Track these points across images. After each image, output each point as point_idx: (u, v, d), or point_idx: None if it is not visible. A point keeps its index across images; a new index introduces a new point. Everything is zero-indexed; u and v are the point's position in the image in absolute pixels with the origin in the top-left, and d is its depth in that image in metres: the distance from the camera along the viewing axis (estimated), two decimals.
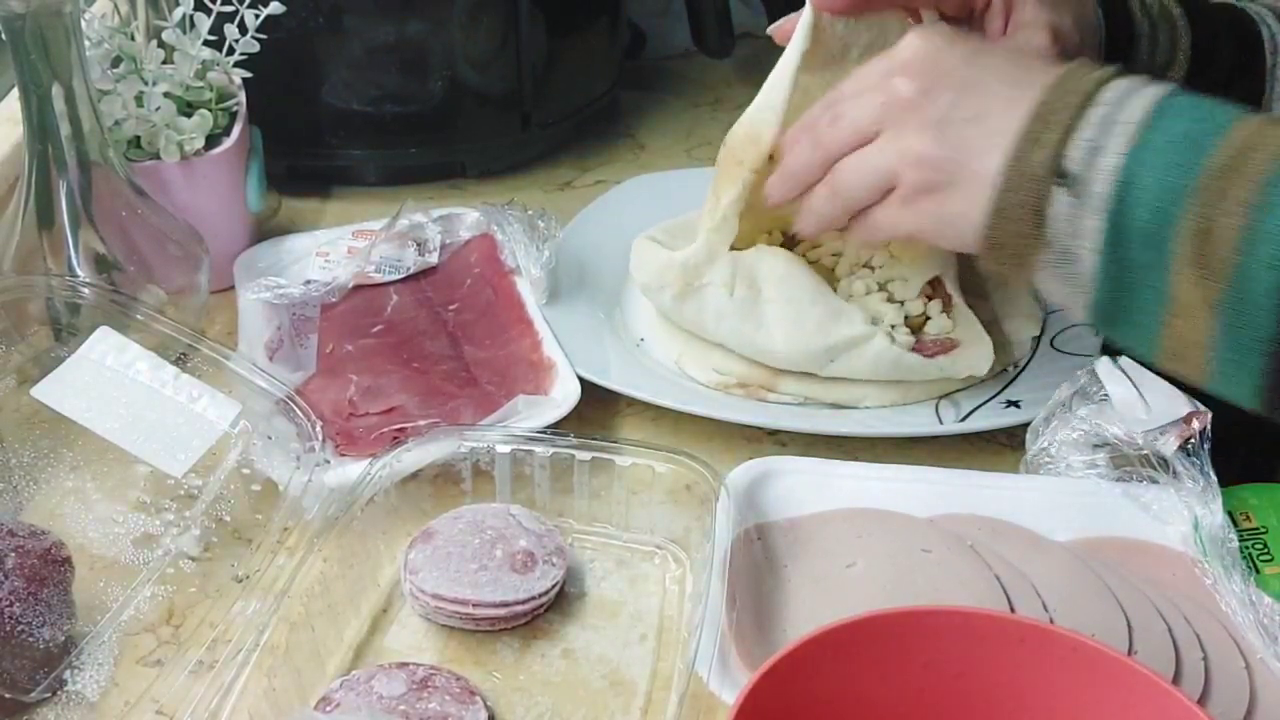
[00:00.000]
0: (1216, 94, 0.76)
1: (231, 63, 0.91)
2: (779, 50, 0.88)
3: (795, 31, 0.77)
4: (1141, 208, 0.59)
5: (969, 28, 0.78)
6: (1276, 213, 0.56)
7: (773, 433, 0.81)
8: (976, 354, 0.81)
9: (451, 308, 0.91)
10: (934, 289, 0.83)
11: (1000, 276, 0.68)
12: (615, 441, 0.74)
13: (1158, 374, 0.72)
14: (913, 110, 0.66)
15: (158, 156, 0.87)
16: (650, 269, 0.83)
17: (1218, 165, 0.58)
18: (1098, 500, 0.72)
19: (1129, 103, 0.61)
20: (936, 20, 0.78)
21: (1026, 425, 0.76)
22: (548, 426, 0.76)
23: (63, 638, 0.64)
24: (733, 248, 0.80)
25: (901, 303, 0.82)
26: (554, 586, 0.68)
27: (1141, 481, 0.72)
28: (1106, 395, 0.72)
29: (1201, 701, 0.61)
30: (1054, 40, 0.75)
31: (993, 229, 0.63)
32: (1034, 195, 0.61)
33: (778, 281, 0.79)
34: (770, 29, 0.80)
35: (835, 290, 0.82)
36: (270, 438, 0.74)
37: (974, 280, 0.86)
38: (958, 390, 0.82)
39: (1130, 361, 0.73)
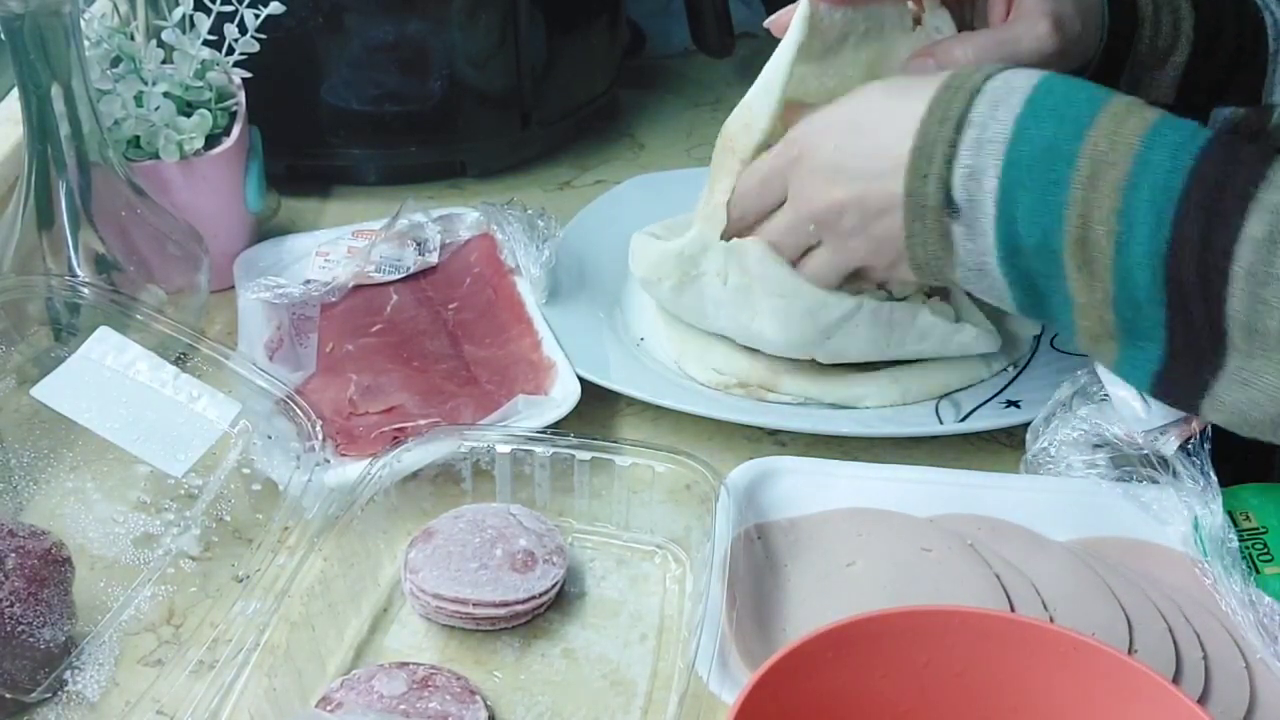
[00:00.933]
0: (1218, 79, 0.82)
1: (231, 63, 0.91)
2: (777, 45, 0.88)
3: (791, 22, 0.77)
4: (1024, 224, 0.63)
5: (971, 14, 0.80)
6: (1138, 215, 0.60)
7: (773, 433, 0.81)
8: (980, 332, 0.81)
9: (451, 307, 0.91)
10: (933, 288, 0.83)
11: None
12: (615, 441, 0.74)
13: None
14: (804, 163, 0.72)
15: (157, 156, 0.87)
16: (647, 261, 0.83)
17: (1083, 176, 0.61)
18: (1098, 500, 0.72)
19: (996, 116, 0.64)
20: (938, 6, 0.78)
21: (1026, 425, 0.76)
22: (548, 426, 0.76)
23: (63, 638, 0.64)
24: (730, 236, 0.80)
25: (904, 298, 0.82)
26: (554, 586, 0.68)
27: (1141, 481, 0.72)
28: (1107, 395, 0.72)
29: (1201, 701, 0.61)
30: (1055, 28, 0.75)
31: (912, 254, 0.68)
32: (935, 223, 0.66)
33: (762, 271, 0.79)
34: (767, 21, 0.81)
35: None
36: (270, 437, 0.74)
37: None
38: (958, 390, 0.82)
39: None
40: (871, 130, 0.69)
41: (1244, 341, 0.59)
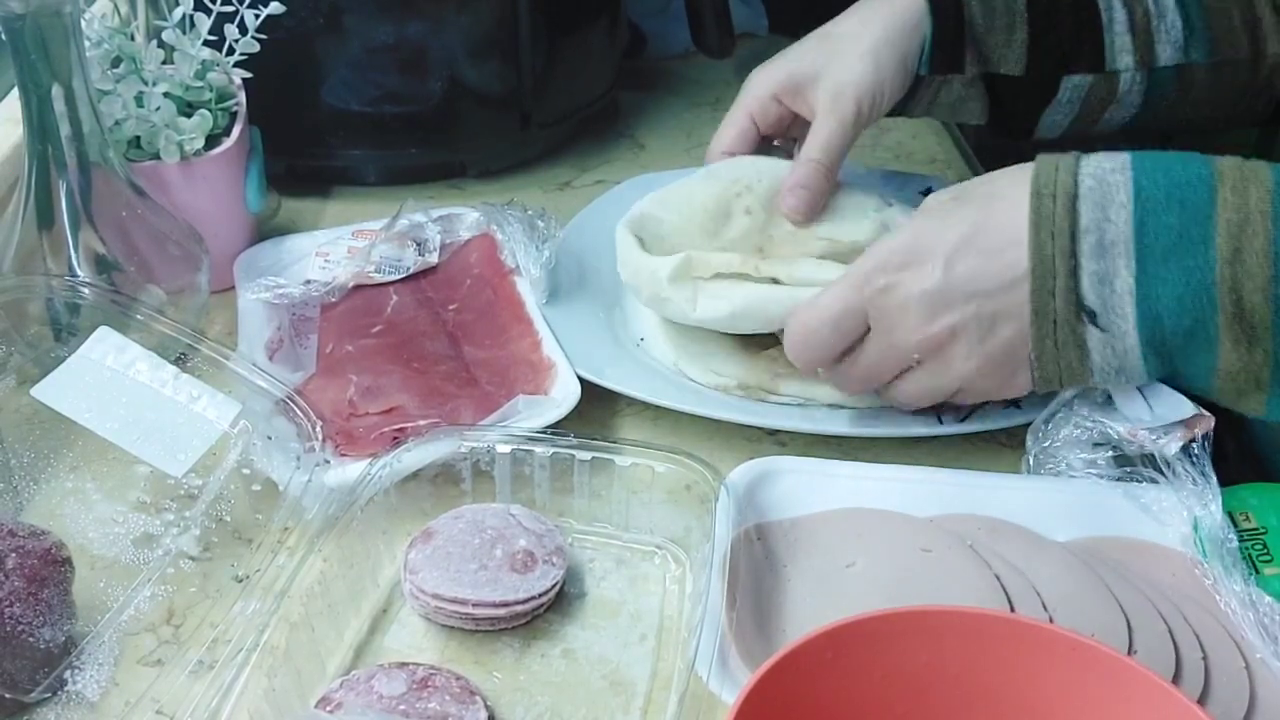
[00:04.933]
0: (1063, 50, 0.86)
1: (231, 63, 0.91)
2: (778, 50, 0.88)
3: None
4: (1170, 316, 0.65)
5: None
6: None
7: (773, 433, 0.81)
8: None
9: (451, 308, 0.91)
10: None
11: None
12: (615, 441, 0.74)
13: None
14: (895, 293, 0.70)
15: (158, 157, 0.87)
16: (626, 268, 0.84)
17: (1225, 256, 0.63)
18: (1098, 500, 0.72)
19: (1109, 218, 0.65)
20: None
21: (1027, 425, 0.76)
22: (548, 426, 0.76)
23: (63, 638, 0.64)
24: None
25: None
26: (554, 586, 0.68)
27: (1141, 481, 0.72)
28: (1109, 396, 0.72)
29: (1201, 701, 0.61)
30: (831, 108, 0.83)
31: (1042, 369, 0.69)
32: (1068, 334, 0.67)
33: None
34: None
35: None
36: (270, 438, 0.74)
37: None
38: None
39: None
40: (973, 249, 0.68)
41: None
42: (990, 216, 0.68)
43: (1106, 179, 0.66)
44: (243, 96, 0.92)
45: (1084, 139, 0.86)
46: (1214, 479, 0.70)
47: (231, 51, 0.90)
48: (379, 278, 0.92)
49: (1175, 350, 0.66)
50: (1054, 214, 0.66)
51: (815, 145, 0.82)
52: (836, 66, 0.83)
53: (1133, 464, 0.73)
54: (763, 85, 0.86)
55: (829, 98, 0.83)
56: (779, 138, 0.90)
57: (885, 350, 0.72)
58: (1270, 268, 0.62)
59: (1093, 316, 0.66)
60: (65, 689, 0.63)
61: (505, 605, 0.67)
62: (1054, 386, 0.70)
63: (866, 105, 0.83)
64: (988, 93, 0.88)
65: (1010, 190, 0.68)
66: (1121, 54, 0.86)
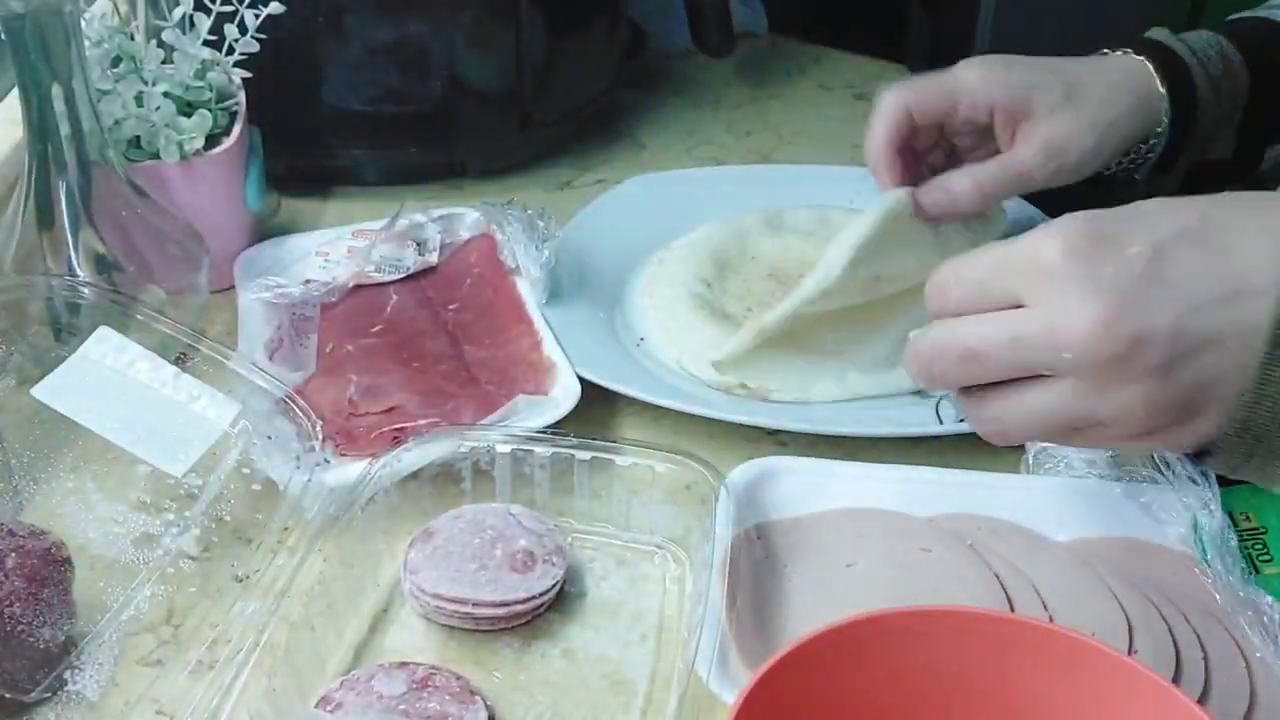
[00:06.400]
0: (1271, 123, 0.81)
1: (231, 63, 0.91)
2: (779, 49, 0.87)
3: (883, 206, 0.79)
4: None
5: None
6: None
7: (773, 433, 0.81)
8: None
9: (451, 307, 0.91)
10: None
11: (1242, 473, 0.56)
12: (615, 441, 0.73)
13: None
14: (1118, 366, 0.52)
15: (157, 156, 0.87)
16: (689, 345, 0.85)
17: None
18: (1098, 500, 0.72)
19: None
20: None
21: None
22: (548, 426, 0.76)
23: (63, 638, 0.64)
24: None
25: None
26: (554, 586, 0.68)
27: (1141, 481, 0.72)
28: None
29: (1201, 701, 0.61)
30: (1046, 151, 0.77)
31: (1259, 395, 0.52)
32: None
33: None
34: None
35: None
36: (270, 437, 0.74)
37: None
38: None
39: None
40: (1206, 246, 0.52)
41: None
42: (1217, 211, 0.53)
43: None
44: (243, 96, 0.92)
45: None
46: (1214, 479, 0.70)
47: (231, 51, 0.90)
48: (379, 277, 0.92)
49: None
50: None
51: (997, 171, 0.77)
52: (1064, 121, 0.76)
53: (1133, 464, 0.73)
54: (990, 82, 0.78)
55: (1042, 146, 0.76)
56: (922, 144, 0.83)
57: (1040, 333, 0.53)
58: None
59: None
60: (65, 689, 0.63)
61: (505, 605, 0.67)
62: (1255, 424, 0.53)
63: (1060, 175, 0.77)
64: (1184, 177, 0.84)
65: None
66: None
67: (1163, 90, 0.80)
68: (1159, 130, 0.81)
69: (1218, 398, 0.53)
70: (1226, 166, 0.84)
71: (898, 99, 0.80)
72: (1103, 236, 0.52)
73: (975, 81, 0.79)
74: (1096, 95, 0.78)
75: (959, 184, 0.79)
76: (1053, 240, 0.53)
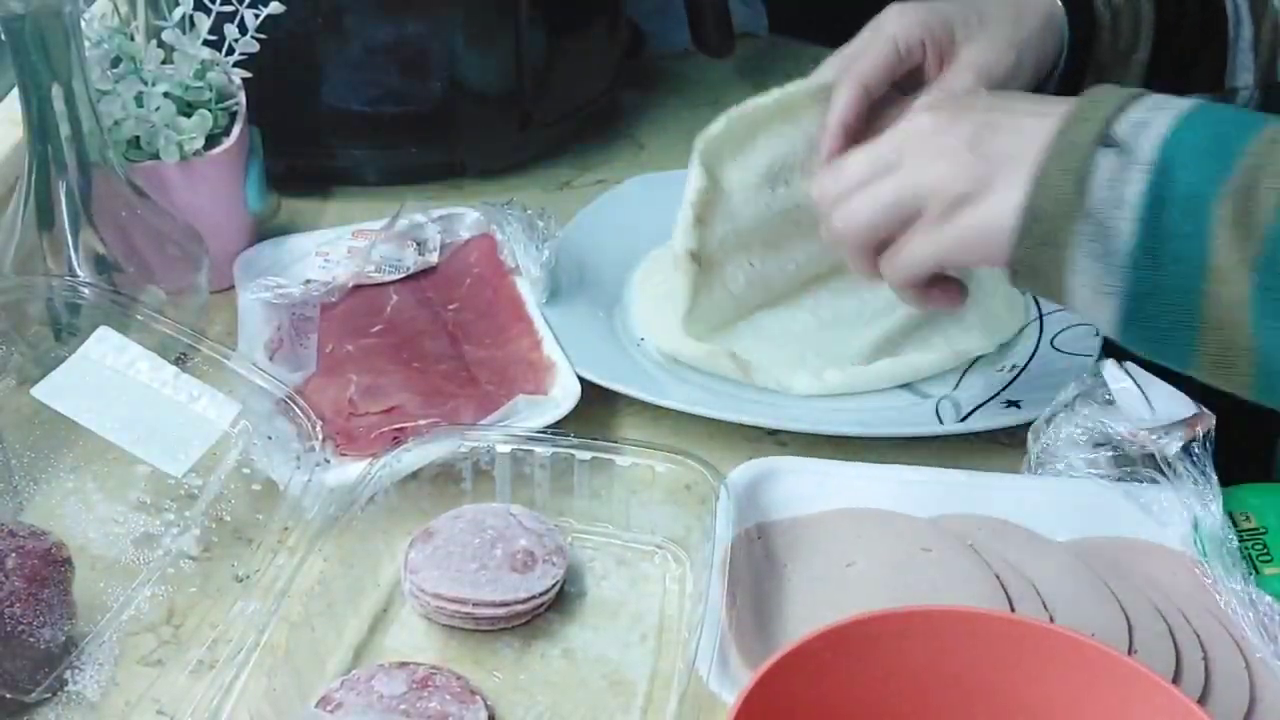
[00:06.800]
0: (1181, 68, 0.84)
1: (231, 63, 0.91)
2: (778, 49, 0.88)
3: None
4: (1185, 170, 0.60)
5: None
6: None
7: (773, 432, 0.81)
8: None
9: (451, 307, 0.91)
10: None
11: (1029, 282, 0.65)
12: (615, 441, 0.74)
13: (1161, 376, 0.72)
14: (934, 138, 0.67)
15: (157, 156, 0.87)
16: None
17: (1265, 137, 0.59)
18: (1098, 500, 0.72)
19: (1170, 100, 0.62)
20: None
21: (1026, 425, 0.76)
22: (548, 426, 0.76)
23: (63, 638, 0.64)
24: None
25: None
26: (554, 586, 0.68)
27: (1142, 481, 0.72)
28: (1111, 397, 0.72)
29: (1201, 701, 0.61)
30: (979, 77, 0.78)
31: (1031, 205, 0.62)
32: (1078, 161, 0.61)
33: None
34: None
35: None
36: (270, 437, 0.74)
37: None
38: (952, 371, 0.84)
39: (1134, 365, 0.73)
40: (1015, 116, 0.66)
41: None
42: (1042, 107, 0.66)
43: (1160, 103, 0.63)
44: (243, 96, 0.92)
45: None
46: (1214, 479, 0.70)
47: (231, 51, 0.90)
48: (379, 277, 0.92)
49: (1166, 229, 0.60)
50: (1099, 103, 0.63)
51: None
52: (985, 44, 0.79)
53: (1133, 464, 0.72)
54: (912, 22, 0.80)
55: (969, 68, 0.79)
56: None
57: (870, 153, 0.68)
58: None
59: (1116, 145, 0.61)
60: (65, 689, 0.63)
61: (505, 605, 0.67)
62: (1033, 238, 0.63)
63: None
64: None
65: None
66: (1241, 72, 0.84)
67: (1060, 5, 0.82)
68: (1061, 54, 0.83)
69: (1012, 175, 0.63)
70: None
71: (853, 87, 0.80)
72: (955, 101, 0.70)
73: (899, 27, 0.81)
74: (1008, 16, 0.81)
75: (891, 115, 0.78)
76: (923, 115, 0.68)
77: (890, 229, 0.68)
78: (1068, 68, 0.83)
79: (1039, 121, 0.64)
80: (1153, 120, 0.61)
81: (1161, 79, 0.84)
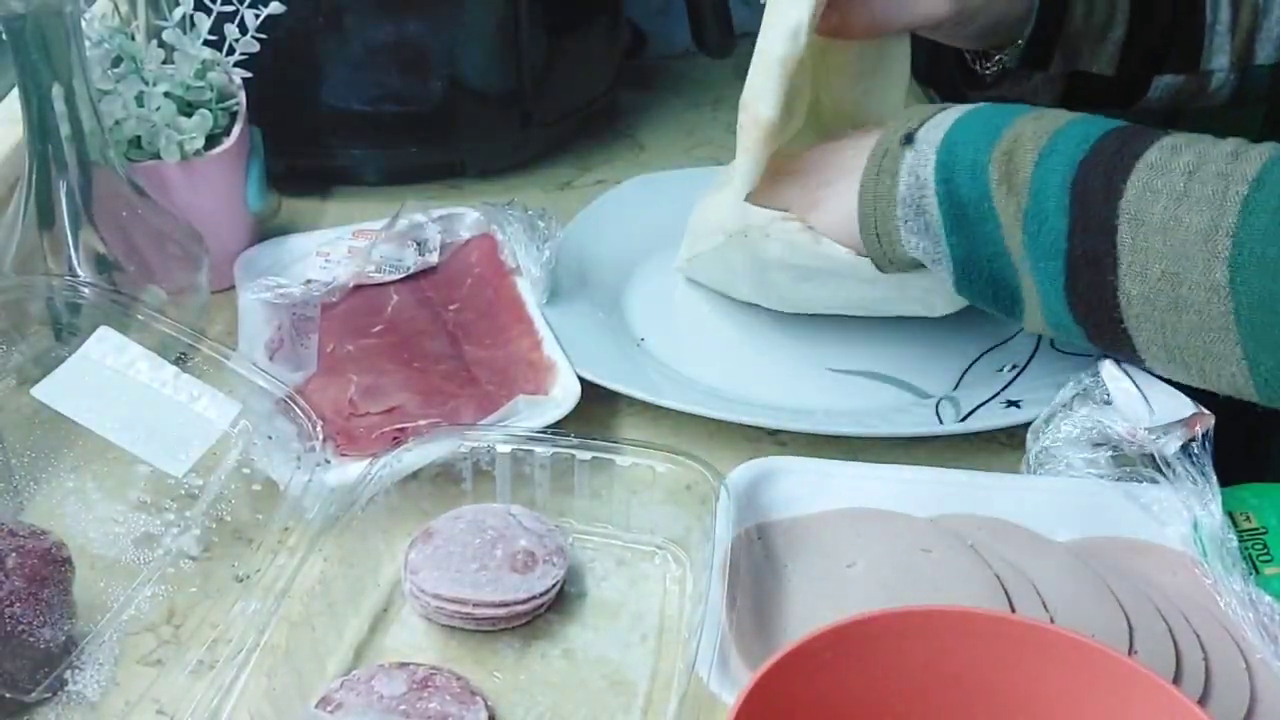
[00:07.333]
0: (1156, 49, 0.87)
1: (231, 63, 0.91)
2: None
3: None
4: (964, 146, 0.70)
5: None
6: (1060, 141, 0.67)
7: (773, 433, 0.81)
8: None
9: (452, 307, 0.91)
10: None
11: (895, 267, 0.76)
12: (615, 441, 0.74)
13: (1161, 377, 0.72)
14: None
15: (158, 156, 0.87)
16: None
17: (1027, 116, 0.70)
18: (1098, 500, 0.72)
19: (963, 105, 0.74)
20: None
21: (1026, 425, 0.76)
22: (548, 426, 0.76)
23: (63, 638, 0.64)
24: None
25: None
26: (554, 586, 0.68)
27: (1142, 481, 0.72)
28: (1110, 398, 0.72)
29: (1201, 701, 0.61)
30: (954, 6, 0.82)
31: (862, 194, 0.74)
32: (890, 161, 0.73)
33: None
34: None
35: None
36: (270, 437, 0.74)
37: None
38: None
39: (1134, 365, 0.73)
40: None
41: (1130, 234, 0.64)
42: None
43: (939, 120, 0.73)
44: (243, 96, 0.92)
45: None
46: (1214, 479, 0.70)
47: (231, 51, 0.90)
48: (379, 277, 0.92)
49: (962, 196, 0.70)
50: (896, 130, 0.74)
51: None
52: None
53: (1133, 464, 0.72)
54: None
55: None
56: None
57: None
58: (1046, 137, 0.68)
59: (911, 143, 0.72)
60: (65, 689, 0.63)
61: (505, 605, 0.67)
62: (866, 230, 0.74)
63: (960, 24, 0.83)
64: (1066, 88, 0.87)
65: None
66: (1218, 54, 0.85)
67: None
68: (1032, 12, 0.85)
69: (846, 185, 0.76)
70: (1109, 86, 0.87)
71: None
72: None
73: None
74: None
75: (859, 11, 0.82)
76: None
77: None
78: (1036, 35, 0.84)
79: (870, 139, 0.75)
80: (943, 120, 0.72)
81: (1137, 58, 0.85)
